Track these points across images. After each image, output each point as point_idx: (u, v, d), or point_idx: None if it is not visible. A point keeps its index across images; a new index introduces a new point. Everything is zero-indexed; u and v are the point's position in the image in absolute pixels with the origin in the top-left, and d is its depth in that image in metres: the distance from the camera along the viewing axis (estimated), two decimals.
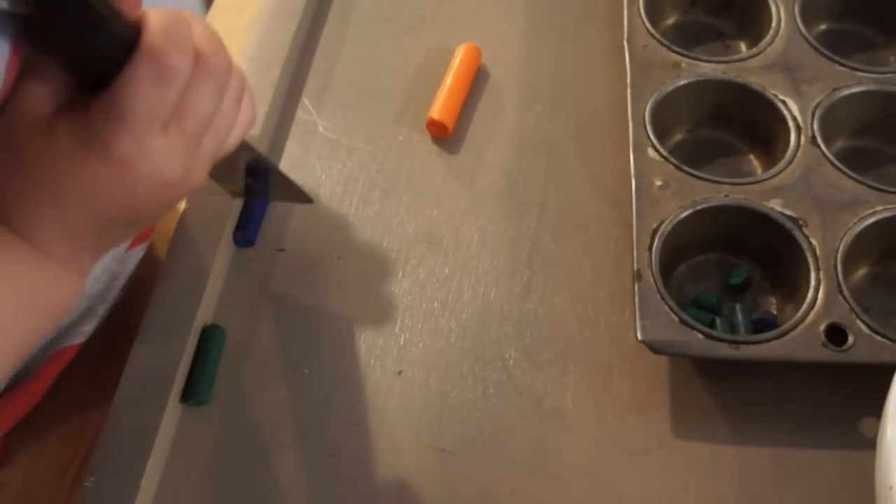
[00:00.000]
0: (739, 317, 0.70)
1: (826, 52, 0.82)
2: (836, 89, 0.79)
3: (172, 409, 0.67)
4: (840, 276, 0.68)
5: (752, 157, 0.80)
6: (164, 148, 0.47)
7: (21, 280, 0.49)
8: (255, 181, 0.73)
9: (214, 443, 0.67)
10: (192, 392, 0.68)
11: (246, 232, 0.75)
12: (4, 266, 0.48)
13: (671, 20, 0.89)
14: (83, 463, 0.66)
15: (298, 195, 0.75)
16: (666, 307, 0.67)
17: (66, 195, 0.47)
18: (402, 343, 0.71)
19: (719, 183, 0.74)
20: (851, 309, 0.67)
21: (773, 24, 0.83)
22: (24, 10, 0.43)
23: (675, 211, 0.72)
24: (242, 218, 0.76)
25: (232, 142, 0.54)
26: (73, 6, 0.44)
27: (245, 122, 0.55)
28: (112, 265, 0.69)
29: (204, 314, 0.71)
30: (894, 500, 0.51)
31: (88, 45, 0.46)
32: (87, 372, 0.70)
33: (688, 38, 0.85)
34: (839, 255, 0.69)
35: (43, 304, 0.51)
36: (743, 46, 0.87)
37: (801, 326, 0.66)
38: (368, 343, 0.71)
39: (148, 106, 0.46)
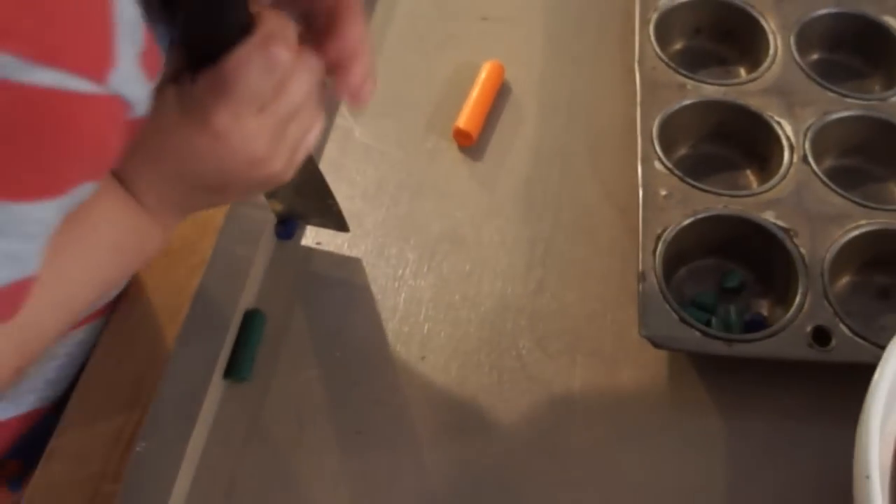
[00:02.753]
0: (733, 317, 0.71)
1: (818, 79, 0.83)
2: (826, 113, 0.80)
3: (216, 384, 0.68)
4: (826, 283, 0.69)
5: (748, 172, 0.81)
6: (256, 127, 0.48)
7: (115, 218, 0.50)
8: (303, 200, 0.74)
9: (252, 416, 0.68)
10: (234, 369, 0.69)
11: (286, 226, 0.77)
12: (103, 203, 0.49)
13: (678, 46, 0.90)
14: (135, 430, 0.67)
15: (338, 221, 0.75)
16: (667, 306, 0.68)
17: (164, 155, 0.48)
18: (425, 331, 0.72)
19: (719, 195, 0.74)
20: (836, 313, 0.68)
21: (771, 52, 0.84)
22: None
23: (678, 219, 0.73)
24: (283, 213, 0.77)
25: (311, 139, 0.55)
26: None
27: (320, 125, 0.55)
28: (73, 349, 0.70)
29: (246, 299, 0.72)
30: (870, 488, 0.51)
31: (215, 22, 0.46)
32: (141, 347, 0.71)
33: (693, 63, 0.86)
34: (825, 264, 0.70)
35: (131, 245, 0.53)
36: (743, 71, 0.87)
37: (789, 327, 0.67)
38: (395, 330, 0.72)
39: (252, 87, 0.47)
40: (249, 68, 0.46)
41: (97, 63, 0.35)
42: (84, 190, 0.40)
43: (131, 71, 0.38)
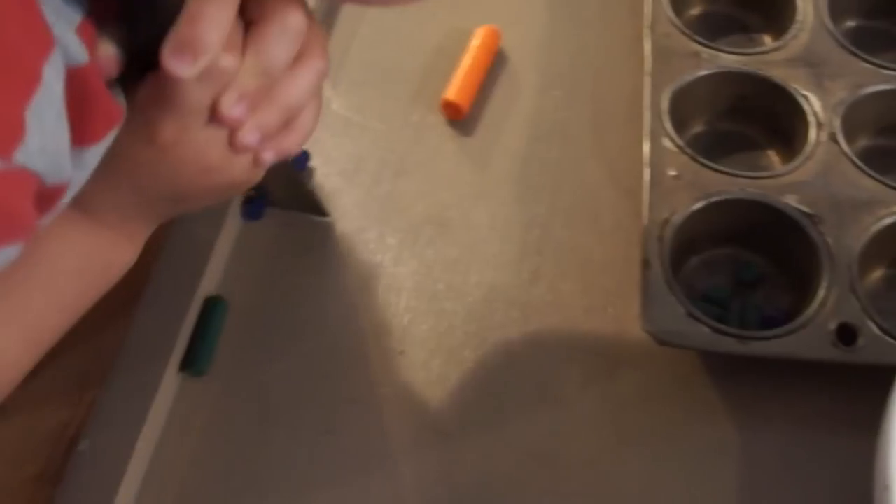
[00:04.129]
0: (749, 313, 0.70)
1: (852, 48, 0.81)
2: (860, 86, 0.78)
3: (171, 378, 0.67)
4: (854, 276, 0.68)
5: (771, 152, 0.79)
6: (205, 138, 0.48)
7: (76, 244, 0.51)
8: (275, 184, 0.73)
9: (211, 413, 0.68)
10: (191, 362, 0.69)
11: (254, 206, 0.76)
12: (61, 231, 0.49)
13: (696, 10, 0.88)
14: (79, 427, 0.66)
15: (315, 206, 0.75)
16: (673, 298, 0.67)
17: (113, 170, 0.48)
18: (405, 323, 0.71)
19: (734, 176, 0.73)
20: (863, 309, 0.67)
21: (799, 17, 0.83)
22: None
23: (688, 202, 0.71)
24: (252, 191, 0.76)
25: (284, 144, 0.52)
26: None
27: (299, 137, 0.53)
28: None
29: (207, 285, 0.72)
30: (890, 499, 0.50)
31: (159, 24, 0.43)
32: (87, 338, 0.70)
33: (712, 30, 0.85)
34: (854, 255, 0.69)
35: (97, 268, 0.53)
36: (768, 40, 0.86)
37: (811, 324, 0.66)
38: (371, 322, 0.72)
39: (196, 97, 0.46)
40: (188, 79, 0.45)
41: (3, 141, 0.37)
42: (7, 252, 0.41)
43: (47, 143, 0.40)
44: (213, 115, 0.47)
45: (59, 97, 0.40)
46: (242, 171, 0.51)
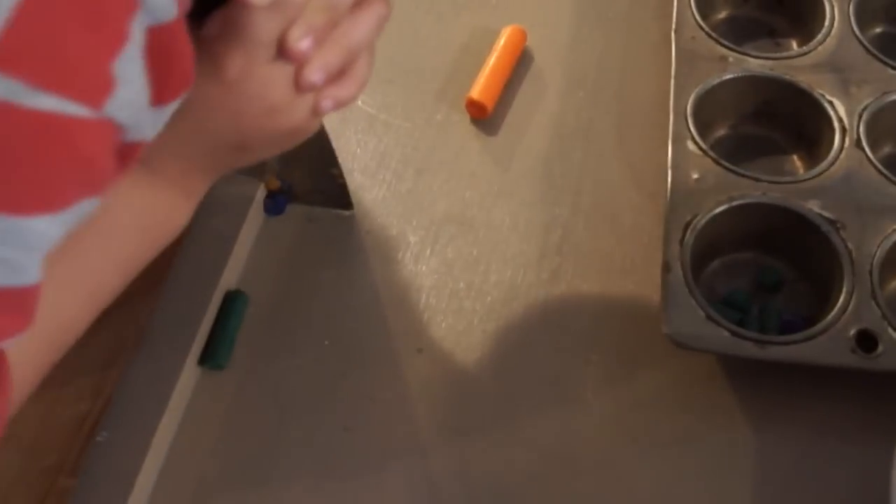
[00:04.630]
0: (769, 317, 0.70)
1: (879, 54, 0.81)
2: (886, 93, 0.78)
3: (190, 371, 0.68)
4: (875, 283, 0.68)
5: (794, 157, 0.80)
6: (270, 73, 0.48)
7: (135, 199, 0.52)
8: (303, 167, 0.74)
9: (229, 407, 0.68)
10: (211, 356, 0.69)
11: (276, 201, 0.76)
12: (121, 186, 0.48)
13: (723, 14, 0.88)
14: (98, 418, 0.67)
15: (340, 197, 0.75)
16: (693, 301, 0.67)
17: (177, 116, 0.48)
18: (424, 321, 0.72)
19: (757, 180, 0.73)
20: (884, 316, 0.66)
21: (826, 23, 0.83)
22: None
23: (711, 206, 0.72)
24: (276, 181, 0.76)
25: (344, 92, 0.52)
26: None
27: (355, 85, 0.53)
28: None
29: (228, 279, 0.72)
30: None
31: None
32: (108, 329, 0.71)
33: (738, 34, 0.85)
34: (875, 261, 0.69)
35: (157, 223, 0.54)
36: (794, 45, 0.86)
37: (830, 330, 0.66)
38: (391, 319, 0.72)
39: (264, 28, 0.46)
40: (259, 8, 0.46)
41: (96, 91, 0.39)
42: (85, 206, 0.43)
43: (132, 97, 0.41)
44: (280, 50, 0.47)
45: (141, 54, 0.40)
46: (302, 118, 0.51)
